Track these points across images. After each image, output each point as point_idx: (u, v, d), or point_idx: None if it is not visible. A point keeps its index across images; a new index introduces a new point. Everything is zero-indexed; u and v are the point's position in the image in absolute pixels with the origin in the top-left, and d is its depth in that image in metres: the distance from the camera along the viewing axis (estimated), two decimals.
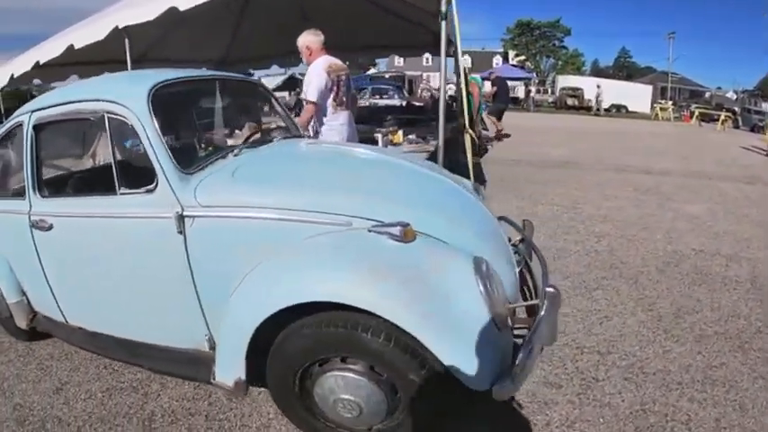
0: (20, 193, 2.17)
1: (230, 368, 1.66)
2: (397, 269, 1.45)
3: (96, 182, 2.10)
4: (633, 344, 2.47)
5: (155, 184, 1.79)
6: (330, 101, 3.25)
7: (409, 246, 1.52)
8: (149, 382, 2.23)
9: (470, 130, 3.66)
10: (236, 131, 2.44)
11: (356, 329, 1.45)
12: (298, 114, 3.36)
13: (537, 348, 1.53)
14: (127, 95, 1.87)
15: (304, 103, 3.27)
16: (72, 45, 3.90)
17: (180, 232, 1.75)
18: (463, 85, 4.72)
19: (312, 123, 3.33)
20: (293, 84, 25.30)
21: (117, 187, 1.86)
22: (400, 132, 4.79)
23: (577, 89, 27.47)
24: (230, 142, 2.41)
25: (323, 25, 3.57)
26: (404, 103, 10.40)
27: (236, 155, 2.07)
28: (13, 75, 4.40)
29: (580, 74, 40.04)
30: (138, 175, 1.84)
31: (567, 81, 30.71)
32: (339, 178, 1.90)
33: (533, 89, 30.08)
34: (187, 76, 2.20)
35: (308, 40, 3.33)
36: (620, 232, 4.03)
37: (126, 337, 2.08)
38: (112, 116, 1.86)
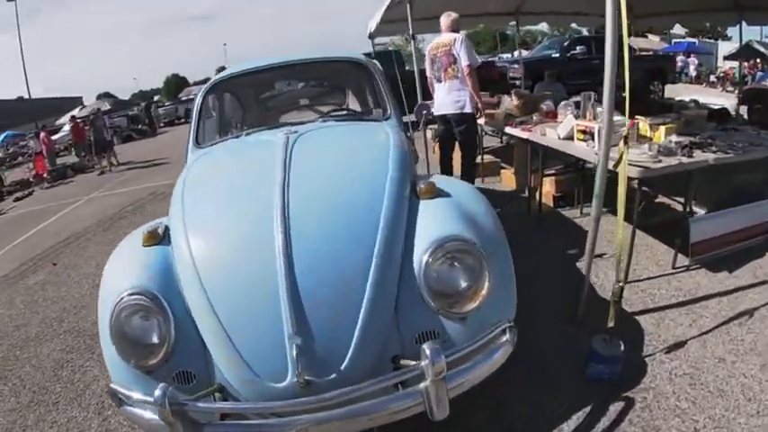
0: None
1: None
2: (117, 255, 1.81)
3: None
4: None
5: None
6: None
7: (140, 246, 1.73)
8: None
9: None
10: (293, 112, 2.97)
11: None
12: None
13: None
14: (208, 84, 2.82)
15: None
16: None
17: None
18: None
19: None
20: (751, 53, 16.62)
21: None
22: (662, 129, 3.41)
23: None
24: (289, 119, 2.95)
25: None
26: None
27: (247, 134, 2.59)
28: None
29: None
30: None
31: None
32: (224, 171, 2.23)
33: None
34: (259, 66, 2.83)
35: (441, 20, 3.96)
36: None
37: None
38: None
